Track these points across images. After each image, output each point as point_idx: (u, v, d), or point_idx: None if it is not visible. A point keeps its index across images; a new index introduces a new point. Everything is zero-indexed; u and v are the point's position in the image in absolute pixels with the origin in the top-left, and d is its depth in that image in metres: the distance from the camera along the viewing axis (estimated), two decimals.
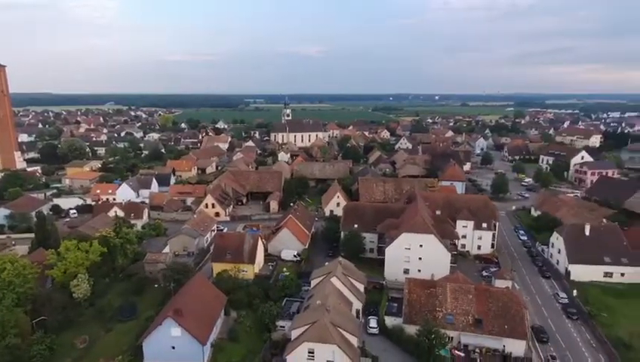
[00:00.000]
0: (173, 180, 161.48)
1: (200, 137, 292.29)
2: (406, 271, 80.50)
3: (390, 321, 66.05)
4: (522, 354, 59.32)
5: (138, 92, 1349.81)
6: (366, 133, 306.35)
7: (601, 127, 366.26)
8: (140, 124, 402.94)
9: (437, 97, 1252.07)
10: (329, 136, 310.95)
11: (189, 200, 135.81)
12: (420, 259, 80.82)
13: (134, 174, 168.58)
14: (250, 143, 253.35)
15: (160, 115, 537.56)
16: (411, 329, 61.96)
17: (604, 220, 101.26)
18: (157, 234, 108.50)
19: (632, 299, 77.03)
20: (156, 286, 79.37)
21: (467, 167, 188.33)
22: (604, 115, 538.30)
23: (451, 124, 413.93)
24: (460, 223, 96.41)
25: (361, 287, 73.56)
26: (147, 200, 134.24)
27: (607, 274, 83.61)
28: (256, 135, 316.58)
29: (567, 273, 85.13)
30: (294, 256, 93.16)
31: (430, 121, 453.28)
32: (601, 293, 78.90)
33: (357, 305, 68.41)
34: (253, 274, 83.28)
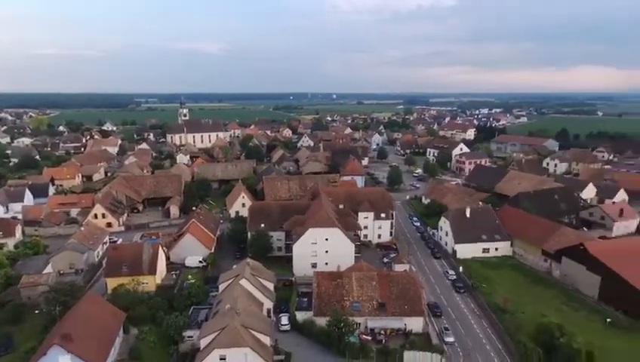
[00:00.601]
0: (52, 190, 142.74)
1: (84, 141, 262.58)
2: (314, 266, 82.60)
3: (301, 316, 67.22)
4: (421, 330, 65.15)
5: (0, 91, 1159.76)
6: (268, 132, 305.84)
7: (475, 122, 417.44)
8: (5, 127, 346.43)
9: (334, 96, 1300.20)
10: (230, 136, 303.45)
11: (74, 212, 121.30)
12: (327, 252, 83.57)
13: (1, 186, 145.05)
14: (144, 146, 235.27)
15: (31, 116, 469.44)
16: (322, 321, 63.85)
17: (480, 203, 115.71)
18: (35, 252, 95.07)
19: (504, 270, 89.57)
20: (37, 312, 69.63)
21: (365, 161, 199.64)
22: (477, 112, 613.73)
23: (349, 121, 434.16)
24: (361, 215, 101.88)
25: (270, 286, 73.51)
26: (20, 215, 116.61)
27: (485, 250, 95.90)
28: (151, 137, 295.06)
29: (454, 252, 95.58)
30: (200, 261, 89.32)
31: (329, 119, 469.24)
32: (481, 267, 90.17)
33: (268, 304, 68.25)
34: (155, 286, 77.80)
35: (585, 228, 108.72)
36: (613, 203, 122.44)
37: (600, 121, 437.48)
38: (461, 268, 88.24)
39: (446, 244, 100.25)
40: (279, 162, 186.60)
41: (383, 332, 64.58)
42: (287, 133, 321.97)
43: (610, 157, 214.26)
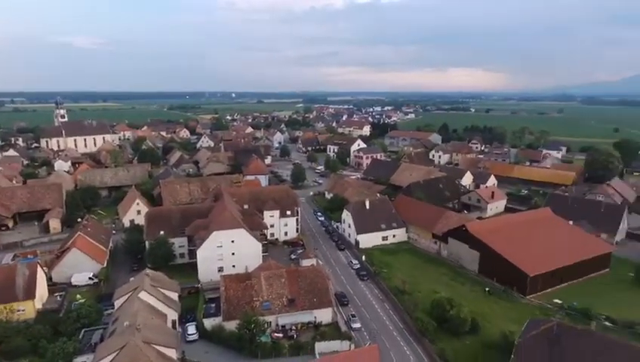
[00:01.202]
0: None
1: None
2: (220, 269, 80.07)
3: (210, 323, 64.73)
4: (330, 320, 67.44)
5: None
6: (163, 134, 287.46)
7: (370, 119, 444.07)
8: None
9: (234, 95, 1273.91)
10: (120, 139, 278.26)
11: None
12: (233, 254, 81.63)
13: None
14: (11, 153, 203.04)
15: None
16: (231, 325, 62.30)
17: (378, 194, 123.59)
18: None
19: (401, 254, 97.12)
20: None
21: (268, 160, 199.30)
22: (371, 109, 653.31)
23: (250, 120, 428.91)
24: (267, 214, 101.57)
25: (175, 296, 69.42)
26: None
27: (384, 238, 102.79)
28: (20, 142, 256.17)
29: (357, 243, 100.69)
30: (90, 278, 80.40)
31: (229, 118, 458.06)
32: (381, 254, 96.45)
33: (172, 315, 64.34)
34: (34, 312, 67.99)
35: (465, 211, 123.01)
36: (486, 187, 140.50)
37: (472, 117, 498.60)
38: (364, 257, 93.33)
39: (349, 236, 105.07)
40: (177, 164, 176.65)
41: (294, 327, 65.35)
42: (185, 133, 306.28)
43: (482, 148, 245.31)
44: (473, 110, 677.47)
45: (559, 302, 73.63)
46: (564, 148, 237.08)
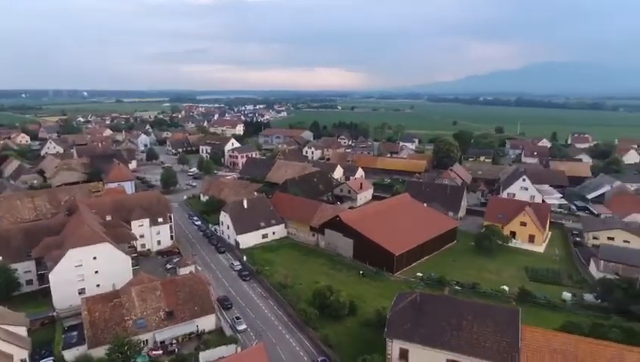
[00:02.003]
0: None
1: None
2: (82, 291, 70.49)
3: (72, 354, 56.63)
4: (214, 326, 65.12)
5: None
6: None
7: (242, 117, 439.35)
8: None
9: (85, 94, 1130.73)
10: None
11: None
12: (97, 272, 72.61)
13: None
14: None
15: None
16: (100, 352, 55.48)
17: (255, 193, 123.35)
18: None
19: (281, 250, 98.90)
20: None
21: (133, 165, 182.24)
22: (243, 108, 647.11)
23: (108, 122, 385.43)
24: (135, 223, 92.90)
25: (22, 331, 58.75)
26: None
27: (264, 236, 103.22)
28: None
29: (237, 243, 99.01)
30: None
31: (82, 119, 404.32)
32: (262, 252, 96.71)
33: (20, 354, 54.40)
34: None
35: (338, 203, 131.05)
36: (355, 179, 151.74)
37: (340, 114, 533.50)
38: (245, 257, 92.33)
39: (228, 238, 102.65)
40: (16, 176, 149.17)
41: (175, 341, 61.34)
42: (24, 139, 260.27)
43: (350, 143, 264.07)
44: (340, 108, 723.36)
45: (420, 274, 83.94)
46: (416, 140, 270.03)
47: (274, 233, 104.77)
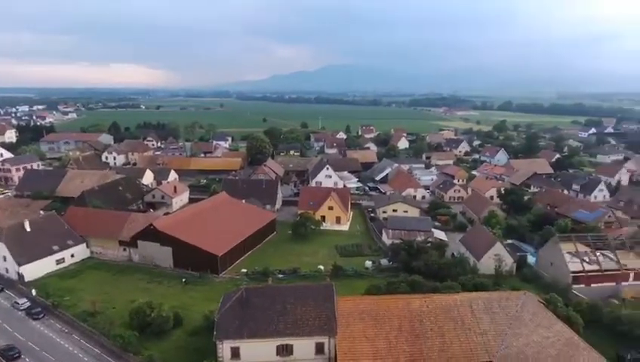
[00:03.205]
0: None
1: None
2: None
3: None
4: None
5: None
6: None
7: (14, 121, 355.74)
8: None
9: None
10: None
11: None
12: None
13: None
14: None
15: None
16: None
17: (42, 212, 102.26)
18: None
19: (85, 273, 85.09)
20: None
21: None
22: (14, 109, 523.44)
23: None
24: None
25: None
26: None
27: (60, 261, 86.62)
28: None
29: (21, 276, 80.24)
30: None
31: None
32: (59, 281, 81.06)
33: None
34: None
35: (152, 210, 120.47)
36: (168, 183, 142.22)
37: (144, 114, 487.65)
38: (34, 291, 75.66)
39: (7, 271, 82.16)
40: None
41: None
42: None
43: (159, 144, 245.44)
44: (144, 107, 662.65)
45: (245, 270, 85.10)
46: (230, 138, 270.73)
47: (72, 255, 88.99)
